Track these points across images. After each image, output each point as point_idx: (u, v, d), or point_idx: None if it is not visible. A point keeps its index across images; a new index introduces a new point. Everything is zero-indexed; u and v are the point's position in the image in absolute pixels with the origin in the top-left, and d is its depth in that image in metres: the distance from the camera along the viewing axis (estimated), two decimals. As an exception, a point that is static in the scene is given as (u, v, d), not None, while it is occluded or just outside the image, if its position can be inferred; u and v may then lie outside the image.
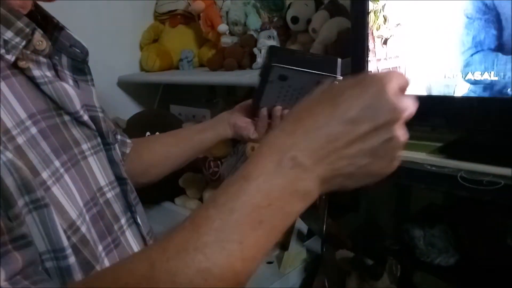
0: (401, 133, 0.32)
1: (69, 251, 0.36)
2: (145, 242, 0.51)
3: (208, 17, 1.28)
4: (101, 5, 1.29)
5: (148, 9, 1.45)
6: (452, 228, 0.72)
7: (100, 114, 0.47)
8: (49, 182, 0.37)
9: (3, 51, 0.36)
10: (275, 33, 1.11)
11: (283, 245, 1.06)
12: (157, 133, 1.34)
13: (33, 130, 0.36)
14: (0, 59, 0.36)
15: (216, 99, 1.42)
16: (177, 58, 1.37)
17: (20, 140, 0.35)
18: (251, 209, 0.28)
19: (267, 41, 1.11)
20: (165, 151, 0.68)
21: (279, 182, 0.28)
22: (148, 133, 1.34)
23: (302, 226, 0.99)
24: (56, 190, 0.37)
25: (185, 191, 1.23)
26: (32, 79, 0.38)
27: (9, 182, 0.32)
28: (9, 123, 0.34)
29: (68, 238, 0.37)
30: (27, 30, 0.37)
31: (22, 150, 0.35)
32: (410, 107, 0.34)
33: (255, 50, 1.12)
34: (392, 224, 0.86)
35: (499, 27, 0.67)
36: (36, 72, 0.39)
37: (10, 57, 0.36)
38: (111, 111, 1.37)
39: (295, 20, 1.10)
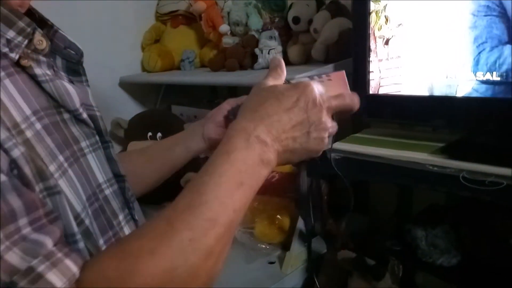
0: (327, 121, 0.45)
1: (79, 236, 0.39)
2: None
3: (209, 17, 1.28)
4: (103, 5, 1.29)
5: (150, 10, 1.46)
6: (454, 229, 0.72)
7: (98, 113, 0.48)
8: (56, 175, 0.38)
9: (6, 49, 0.37)
10: (276, 33, 1.11)
11: (285, 245, 1.06)
12: (159, 133, 1.35)
13: (38, 125, 0.37)
14: (4, 57, 0.37)
15: (218, 99, 1.42)
16: (179, 59, 1.37)
17: (29, 134, 0.36)
18: (234, 174, 0.38)
19: (268, 41, 1.11)
20: (134, 171, 0.62)
21: (250, 154, 0.39)
22: (149, 134, 1.34)
23: (304, 227, 0.99)
24: (62, 183, 0.38)
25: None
26: (33, 77, 0.39)
27: (27, 170, 0.35)
28: (17, 117, 0.36)
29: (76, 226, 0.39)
30: (28, 29, 0.39)
31: (30, 144, 0.36)
32: (330, 103, 0.45)
33: (257, 50, 1.12)
34: (394, 224, 0.86)
35: (506, 28, 0.67)
36: (38, 70, 0.40)
37: (14, 55, 0.37)
38: (113, 111, 1.37)
39: (296, 20, 1.10)
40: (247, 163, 0.39)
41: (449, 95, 0.75)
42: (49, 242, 0.32)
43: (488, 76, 0.70)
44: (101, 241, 0.43)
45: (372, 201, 1.09)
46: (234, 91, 1.47)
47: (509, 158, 0.67)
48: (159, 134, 1.35)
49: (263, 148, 0.40)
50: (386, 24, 0.82)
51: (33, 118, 0.37)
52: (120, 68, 1.40)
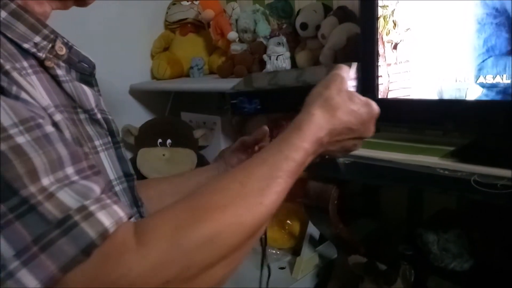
0: (371, 132, 0.52)
1: None
2: None
3: (218, 25, 1.30)
4: (113, 15, 1.31)
5: (159, 18, 1.48)
6: (466, 233, 0.71)
7: (110, 117, 0.51)
8: None
9: (34, 50, 0.41)
10: (284, 39, 1.12)
11: (295, 250, 1.06)
12: (169, 140, 1.36)
13: (59, 116, 0.40)
14: (32, 57, 0.41)
15: (227, 105, 1.43)
16: (188, 66, 1.39)
17: (56, 118, 0.39)
18: (295, 170, 0.43)
19: (276, 47, 1.12)
20: (160, 201, 0.62)
21: (310, 149, 0.45)
22: (159, 140, 1.35)
23: (314, 232, 0.99)
24: None
25: None
26: (55, 77, 0.43)
27: (67, 134, 0.39)
28: (44, 104, 0.39)
29: None
30: (52, 36, 0.43)
31: (58, 127, 0.39)
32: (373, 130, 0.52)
33: (265, 57, 1.13)
34: (405, 229, 0.85)
35: (511, 31, 0.67)
36: (59, 71, 0.44)
37: (41, 55, 0.42)
38: (123, 118, 1.39)
39: (304, 26, 1.11)
40: (308, 152, 0.45)
41: (459, 98, 0.75)
42: (97, 189, 0.35)
43: (498, 79, 0.70)
44: None
45: (383, 205, 1.08)
46: (243, 97, 1.48)
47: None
48: (168, 141, 1.36)
49: (320, 146, 0.46)
50: (394, 28, 0.83)
51: (56, 109, 0.40)
52: (130, 76, 1.42)
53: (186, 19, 1.40)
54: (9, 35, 0.40)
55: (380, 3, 0.83)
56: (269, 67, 1.12)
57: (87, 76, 0.50)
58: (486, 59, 0.71)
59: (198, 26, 1.41)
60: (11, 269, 0.30)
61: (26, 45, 0.41)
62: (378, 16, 0.83)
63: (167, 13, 1.46)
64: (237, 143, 0.69)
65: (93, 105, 0.47)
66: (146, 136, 1.36)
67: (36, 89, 0.38)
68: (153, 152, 1.33)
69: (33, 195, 0.31)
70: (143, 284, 0.32)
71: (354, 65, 0.57)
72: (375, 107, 0.50)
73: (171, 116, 1.49)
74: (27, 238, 0.30)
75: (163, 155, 1.32)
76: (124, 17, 1.36)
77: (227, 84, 1.19)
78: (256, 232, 0.40)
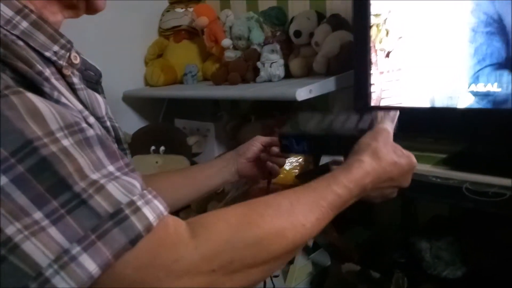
0: (407, 184, 0.57)
1: None
2: None
3: (212, 32, 1.30)
4: (107, 21, 1.31)
5: (153, 25, 1.48)
6: (459, 240, 0.71)
7: (117, 124, 0.53)
8: None
9: (55, 58, 0.44)
10: (278, 47, 1.13)
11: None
12: (162, 147, 1.35)
13: (92, 120, 0.44)
14: (52, 65, 0.44)
15: (220, 112, 1.43)
16: (182, 73, 1.39)
17: (91, 120, 0.43)
18: (339, 205, 0.47)
19: (270, 55, 1.12)
20: (174, 191, 0.70)
21: (355, 192, 0.49)
22: (153, 147, 1.34)
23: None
24: None
25: (190, 204, 1.23)
26: (71, 85, 0.46)
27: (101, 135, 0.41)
28: (80, 107, 0.43)
29: None
30: (68, 45, 0.46)
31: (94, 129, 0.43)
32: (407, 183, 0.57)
33: (259, 64, 1.14)
34: (398, 236, 0.85)
35: (505, 40, 0.68)
36: (74, 79, 0.47)
37: (62, 63, 0.45)
38: (116, 125, 1.38)
39: (298, 34, 1.12)
40: (350, 195, 0.49)
41: (451, 106, 0.75)
42: (138, 185, 0.38)
43: (489, 88, 0.70)
44: None
45: (376, 213, 1.08)
46: (237, 104, 1.48)
47: (511, 169, 0.67)
48: (162, 148, 1.35)
49: (363, 191, 0.51)
50: (387, 37, 0.83)
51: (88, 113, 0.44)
52: (124, 83, 1.42)
53: (180, 26, 1.41)
54: (32, 44, 0.42)
55: (373, 11, 0.84)
56: (263, 74, 1.13)
57: (94, 84, 0.53)
58: (477, 68, 0.71)
59: (192, 33, 1.41)
60: (74, 253, 0.33)
61: (47, 54, 0.43)
62: (371, 24, 0.84)
63: (161, 20, 1.46)
64: (253, 146, 0.72)
65: (104, 112, 0.49)
66: (139, 143, 1.35)
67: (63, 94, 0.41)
68: (146, 159, 1.32)
69: (85, 190, 0.35)
70: (192, 270, 0.37)
71: (396, 115, 0.62)
72: (414, 160, 0.56)
73: (164, 123, 1.49)
74: (85, 227, 0.34)
75: (156, 162, 1.31)
76: (118, 24, 1.36)
77: (221, 91, 1.20)
78: (293, 250, 0.44)
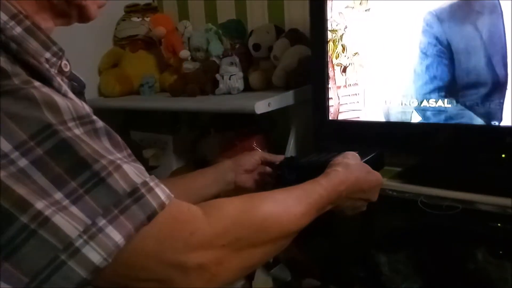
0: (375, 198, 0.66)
1: None
2: None
3: (169, 42, 1.27)
4: (58, 28, 1.24)
5: (107, 34, 1.42)
6: (415, 253, 0.73)
7: None
8: None
9: (47, 65, 0.44)
10: (237, 59, 1.11)
11: (249, 274, 1.03)
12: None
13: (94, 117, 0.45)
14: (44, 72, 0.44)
15: (179, 124, 1.39)
16: (138, 84, 1.34)
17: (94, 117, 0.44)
18: (322, 205, 0.55)
19: (229, 67, 1.11)
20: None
21: (332, 196, 0.56)
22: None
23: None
24: None
25: None
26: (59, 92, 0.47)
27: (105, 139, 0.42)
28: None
29: None
30: (60, 53, 0.46)
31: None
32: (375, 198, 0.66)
33: (218, 76, 1.12)
34: (357, 250, 0.86)
35: (451, 59, 0.70)
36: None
37: (54, 71, 0.45)
38: (67, 138, 1.30)
39: (257, 47, 1.11)
40: (329, 198, 0.56)
41: (404, 121, 0.77)
42: (144, 172, 0.41)
43: (440, 103, 0.73)
44: None
45: (337, 226, 1.08)
46: (197, 116, 1.45)
47: (463, 182, 0.70)
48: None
49: (339, 198, 0.58)
50: (343, 52, 0.85)
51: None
52: (76, 93, 1.35)
53: (136, 35, 1.36)
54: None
55: (329, 27, 0.85)
56: (222, 86, 1.11)
57: (77, 95, 0.51)
58: (429, 85, 0.74)
59: (149, 43, 1.37)
60: (101, 225, 0.36)
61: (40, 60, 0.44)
62: (328, 39, 0.85)
63: (116, 28, 1.41)
64: (252, 158, 0.77)
65: None
66: (92, 157, 1.28)
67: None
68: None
69: (105, 167, 0.38)
70: (206, 244, 0.41)
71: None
72: (381, 177, 0.65)
73: (119, 135, 1.43)
74: (108, 202, 0.37)
75: (110, 176, 1.25)
76: (70, 31, 1.28)
77: (178, 103, 1.16)
78: (286, 236, 0.50)
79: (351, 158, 0.63)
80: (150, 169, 1.34)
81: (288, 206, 0.50)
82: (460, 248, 0.65)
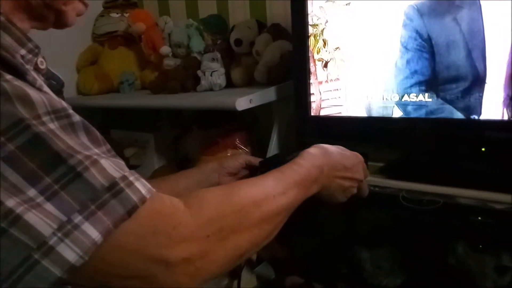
0: (358, 185, 0.65)
1: None
2: None
3: (149, 39, 1.25)
4: (33, 25, 1.21)
5: (85, 30, 1.39)
6: (397, 249, 0.73)
7: None
8: None
9: (22, 61, 0.42)
10: (218, 55, 1.10)
11: (233, 273, 1.02)
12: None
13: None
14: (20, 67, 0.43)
15: (160, 122, 1.36)
16: (118, 81, 1.31)
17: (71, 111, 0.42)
18: (300, 182, 0.54)
19: (211, 63, 1.09)
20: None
21: (313, 172, 0.56)
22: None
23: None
24: None
25: None
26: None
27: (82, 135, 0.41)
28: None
29: None
30: (36, 50, 0.45)
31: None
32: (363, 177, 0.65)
33: (199, 72, 1.10)
34: (340, 246, 0.85)
35: (432, 53, 0.70)
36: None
37: (29, 67, 0.43)
38: (44, 137, 1.27)
39: (238, 42, 1.10)
40: (309, 176, 0.55)
41: (386, 116, 0.77)
42: (124, 166, 0.40)
43: (421, 98, 0.72)
44: None
45: (320, 223, 1.08)
46: (179, 113, 1.43)
47: (444, 176, 0.70)
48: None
49: (321, 175, 0.57)
50: (325, 47, 0.84)
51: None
52: (53, 91, 1.31)
53: (115, 31, 1.33)
54: None
55: (310, 21, 0.84)
56: (203, 83, 1.09)
57: (55, 92, 0.50)
58: (410, 79, 0.73)
59: (129, 39, 1.34)
60: (76, 222, 0.35)
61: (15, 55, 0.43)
62: (309, 34, 0.84)
63: (94, 25, 1.38)
64: (237, 161, 0.76)
65: None
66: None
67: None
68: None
69: (81, 162, 0.36)
70: (190, 236, 0.41)
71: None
72: (358, 154, 0.64)
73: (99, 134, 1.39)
74: (85, 197, 0.36)
75: (90, 176, 1.22)
76: (46, 28, 1.25)
77: (159, 100, 1.14)
78: (270, 219, 0.49)
79: (323, 144, 0.63)
80: (131, 168, 1.30)
81: (266, 187, 0.50)
82: (441, 242, 0.65)
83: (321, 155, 0.59)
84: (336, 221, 0.90)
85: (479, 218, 0.62)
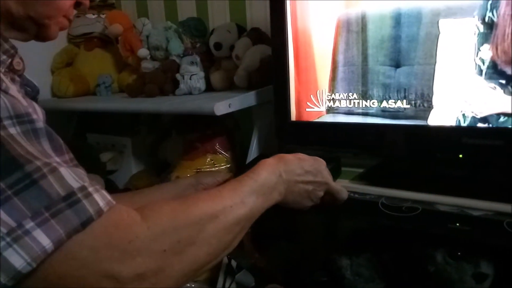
0: (327, 188, 0.64)
1: None
2: None
3: (127, 41, 1.22)
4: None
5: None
6: (377, 256, 0.72)
7: None
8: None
9: None
10: (198, 59, 1.08)
11: (212, 281, 1.00)
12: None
13: (36, 115, 0.42)
14: None
15: (138, 126, 1.33)
16: (94, 84, 1.28)
17: (34, 116, 0.41)
18: (258, 189, 0.53)
19: (190, 67, 1.07)
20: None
21: (271, 178, 0.55)
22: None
23: (232, 260, 0.94)
24: None
25: None
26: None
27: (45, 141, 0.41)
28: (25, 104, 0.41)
29: None
30: (12, 51, 0.46)
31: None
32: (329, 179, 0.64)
33: (178, 76, 1.08)
34: (320, 253, 0.85)
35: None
36: (14, 86, 0.44)
37: (1, 69, 0.44)
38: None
39: (218, 46, 1.08)
40: (266, 185, 0.54)
41: (366, 122, 0.76)
42: (85, 175, 0.40)
43: (399, 104, 0.72)
44: None
45: (299, 230, 1.07)
46: (157, 118, 1.40)
47: (423, 183, 0.69)
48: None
49: (280, 181, 0.56)
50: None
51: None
52: (26, 94, 1.26)
53: (91, 33, 1.30)
54: None
55: (289, 26, 0.83)
56: (182, 86, 1.07)
57: (31, 99, 0.49)
58: (387, 86, 0.73)
59: (106, 41, 1.31)
60: (28, 228, 0.34)
61: None
62: (288, 39, 0.83)
63: (70, 25, 1.34)
64: (215, 178, 0.74)
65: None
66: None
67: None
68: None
69: (39, 169, 0.36)
70: (145, 251, 0.39)
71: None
72: (318, 157, 0.63)
73: (74, 138, 1.35)
74: (39, 205, 0.35)
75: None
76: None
77: (136, 104, 1.11)
78: (229, 230, 0.48)
79: (281, 154, 0.62)
80: (108, 173, 1.28)
81: (223, 198, 0.49)
82: (420, 250, 0.65)
83: (277, 161, 0.58)
84: (315, 229, 0.89)
85: (457, 224, 0.62)
